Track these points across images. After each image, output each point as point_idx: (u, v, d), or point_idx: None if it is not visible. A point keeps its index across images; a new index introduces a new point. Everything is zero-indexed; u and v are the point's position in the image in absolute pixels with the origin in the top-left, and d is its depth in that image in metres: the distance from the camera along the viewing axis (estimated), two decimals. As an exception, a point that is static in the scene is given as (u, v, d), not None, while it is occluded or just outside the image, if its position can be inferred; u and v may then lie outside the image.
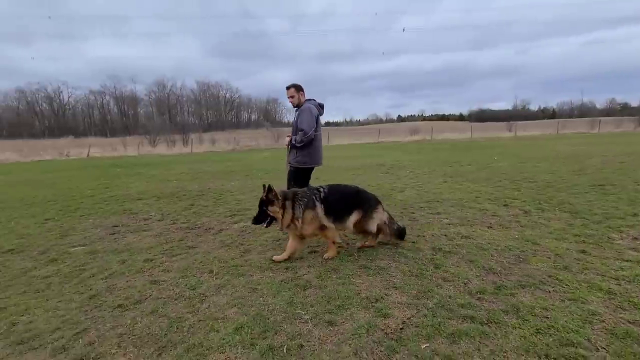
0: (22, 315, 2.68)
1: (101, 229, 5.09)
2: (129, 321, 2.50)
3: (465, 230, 4.18)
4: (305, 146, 4.37)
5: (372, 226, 3.61)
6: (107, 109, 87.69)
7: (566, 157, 11.30)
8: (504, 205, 5.27)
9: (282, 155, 5.25)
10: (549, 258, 3.23)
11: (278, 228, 3.53)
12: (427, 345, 2.07)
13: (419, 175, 8.85)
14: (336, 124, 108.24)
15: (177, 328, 2.39)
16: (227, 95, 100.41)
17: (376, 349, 2.05)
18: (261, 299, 2.73)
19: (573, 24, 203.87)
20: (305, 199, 3.49)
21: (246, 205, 6.18)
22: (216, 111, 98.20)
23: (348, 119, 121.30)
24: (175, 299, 2.81)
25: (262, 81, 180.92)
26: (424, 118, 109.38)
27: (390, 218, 3.83)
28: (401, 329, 2.23)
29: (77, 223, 5.47)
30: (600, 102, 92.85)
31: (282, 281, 3.03)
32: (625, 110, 70.38)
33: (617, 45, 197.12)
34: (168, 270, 3.40)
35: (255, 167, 12.87)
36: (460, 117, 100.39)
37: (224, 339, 2.22)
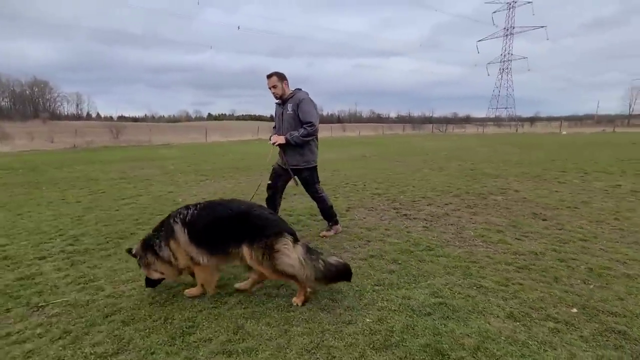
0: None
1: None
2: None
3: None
4: (309, 142, 3.73)
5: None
6: None
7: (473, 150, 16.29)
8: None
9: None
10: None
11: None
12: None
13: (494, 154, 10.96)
14: (134, 120, 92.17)
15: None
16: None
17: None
18: None
19: (346, 49, 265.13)
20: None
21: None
22: None
23: (150, 114, 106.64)
24: None
25: (11, 57, 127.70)
26: (237, 118, 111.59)
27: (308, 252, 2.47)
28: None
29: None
30: (365, 112, 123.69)
31: None
32: (384, 120, 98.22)
33: (374, 71, 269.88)
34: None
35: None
36: (272, 118, 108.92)
37: None
